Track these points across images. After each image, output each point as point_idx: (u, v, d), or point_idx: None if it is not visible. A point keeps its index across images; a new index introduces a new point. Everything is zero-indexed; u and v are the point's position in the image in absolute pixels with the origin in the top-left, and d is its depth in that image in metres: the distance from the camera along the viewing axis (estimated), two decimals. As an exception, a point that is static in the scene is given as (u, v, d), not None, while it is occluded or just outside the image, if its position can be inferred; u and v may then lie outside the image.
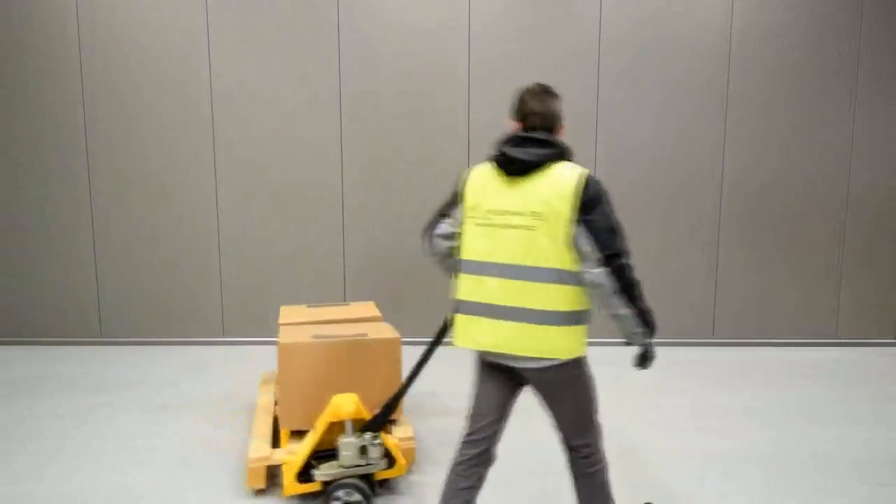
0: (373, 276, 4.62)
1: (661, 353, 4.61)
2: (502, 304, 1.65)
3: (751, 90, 4.47)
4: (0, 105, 4.41)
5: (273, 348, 4.52)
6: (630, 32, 4.40)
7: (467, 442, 1.81)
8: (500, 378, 1.78)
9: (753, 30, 4.41)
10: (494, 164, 1.70)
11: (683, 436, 3.00)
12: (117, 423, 3.14)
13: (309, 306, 3.25)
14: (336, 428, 2.30)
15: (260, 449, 2.45)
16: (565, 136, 1.82)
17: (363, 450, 2.22)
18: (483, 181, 1.73)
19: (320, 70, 4.41)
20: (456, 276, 1.80)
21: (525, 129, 1.72)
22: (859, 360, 4.31)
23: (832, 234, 4.61)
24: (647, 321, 1.68)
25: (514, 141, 1.68)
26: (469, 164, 4.51)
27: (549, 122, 1.73)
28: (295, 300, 4.62)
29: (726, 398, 3.54)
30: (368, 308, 3.24)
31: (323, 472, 2.25)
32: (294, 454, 2.35)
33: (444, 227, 1.81)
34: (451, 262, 1.83)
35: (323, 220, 4.57)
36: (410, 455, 2.55)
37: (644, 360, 1.74)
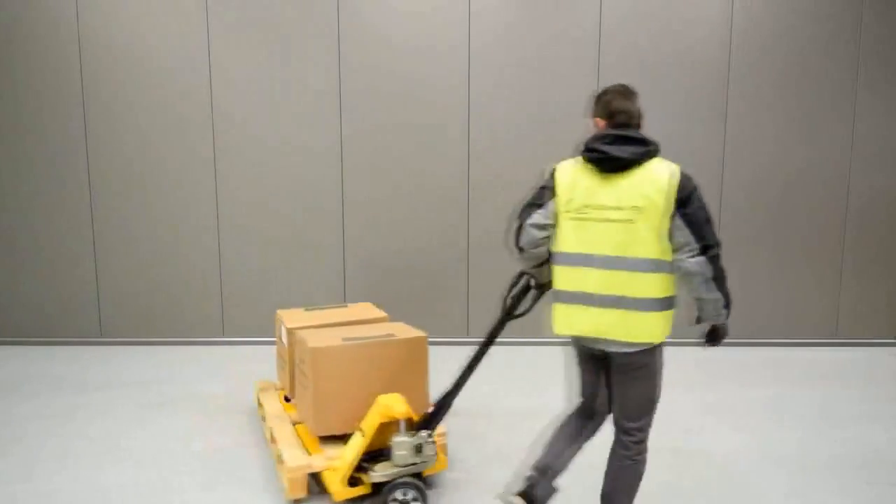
0: (373, 276, 4.62)
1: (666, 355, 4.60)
2: (603, 293, 1.76)
3: (751, 92, 4.47)
4: (0, 105, 4.41)
5: (270, 349, 4.54)
6: (630, 42, 4.40)
7: (575, 412, 2.05)
8: (595, 360, 1.94)
9: (753, 32, 4.42)
10: (588, 161, 1.77)
11: (690, 434, 3.00)
12: (112, 422, 3.14)
13: (307, 309, 3.16)
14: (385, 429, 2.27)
15: (298, 457, 2.35)
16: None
17: (418, 448, 2.20)
18: (575, 177, 1.81)
19: (321, 71, 4.41)
20: (539, 267, 1.93)
21: (612, 126, 1.81)
22: (859, 360, 4.31)
23: (833, 235, 4.61)
24: (729, 304, 1.81)
25: (608, 139, 1.76)
26: (468, 168, 4.51)
27: (636, 120, 1.86)
28: (295, 300, 4.61)
29: (729, 398, 3.54)
30: (370, 309, 3.22)
31: (380, 473, 2.19)
32: (338, 459, 2.28)
33: (538, 216, 1.84)
34: (539, 252, 1.88)
35: (323, 219, 4.56)
36: (444, 451, 2.54)
37: (718, 337, 1.92)
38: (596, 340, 1.82)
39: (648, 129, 4.77)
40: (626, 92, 1.87)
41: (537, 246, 1.87)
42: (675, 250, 1.72)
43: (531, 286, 2.07)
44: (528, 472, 1.96)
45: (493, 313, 4.77)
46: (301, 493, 2.31)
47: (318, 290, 4.61)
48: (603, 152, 1.74)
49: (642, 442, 1.89)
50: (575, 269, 1.80)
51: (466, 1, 4.35)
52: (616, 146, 1.74)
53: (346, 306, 3.30)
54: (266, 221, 4.55)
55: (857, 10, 4.41)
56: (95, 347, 4.55)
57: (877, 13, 4.42)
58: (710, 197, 4.66)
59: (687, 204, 1.71)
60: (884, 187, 4.59)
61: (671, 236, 1.71)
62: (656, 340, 1.78)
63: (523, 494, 1.90)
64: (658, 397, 1.89)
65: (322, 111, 4.46)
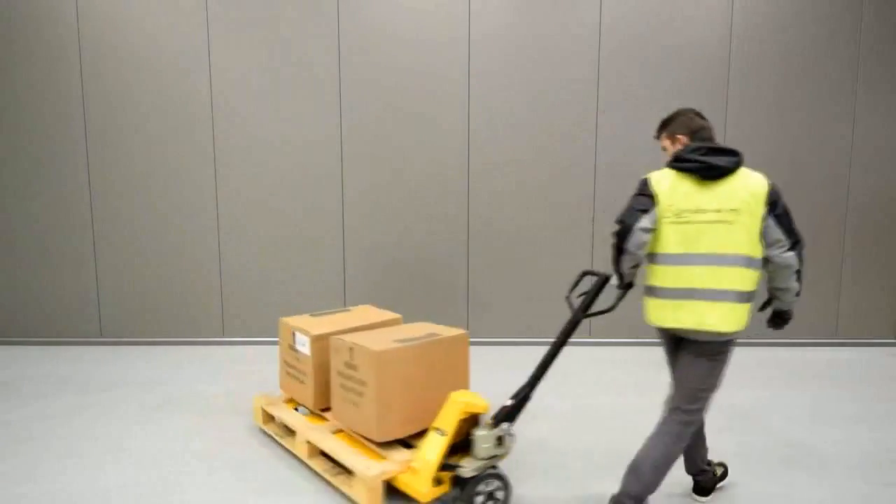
0: (373, 274, 4.62)
1: (660, 355, 4.60)
2: (704, 287, 1.97)
3: (750, 92, 4.48)
4: (0, 105, 4.41)
5: (270, 349, 4.55)
6: (630, 37, 4.41)
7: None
8: (677, 353, 2.18)
9: (753, 32, 4.42)
10: (686, 170, 1.99)
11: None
12: (114, 422, 3.14)
13: (313, 315, 3.08)
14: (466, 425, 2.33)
15: (372, 465, 2.29)
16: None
17: (500, 440, 2.25)
18: (673, 185, 2.02)
19: (321, 67, 4.42)
20: (634, 268, 2.10)
21: (695, 140, 2.08)
22: (859, 360, 4.31)
23: (833, 235, 4.62)
24: (800, 292, 2.08)
25: (702, 150, 1.98)
26: (468, 166, 4.52)
27: (714, 135, 2.15)
28: (294, 300, 4.62)
29: (728, 398, 3.54)
30: (376, 310, 3.19)
31: (470, 468, 2.20)
32: (414, 462, 2.29)
33: (646, 221, 2.02)
34: (642, 253, 2.05)
35: (323, 218, 4.57)
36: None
37: (784, 321, 2.18)
38: (697, 332, 2.01)
39: (648, 132, 4.81)
40: (699, 112, 2.15)
41: (642, 248, 2.03)
42: (766, 247, 1.97)
43: (615, 285, 2.20)
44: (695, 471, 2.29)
45: (493, 310, 4.80)
46: (379, 502, 2.26)
47: (318, 288, 4.62)
48: (703, 162, 1.96)
49: (690, 425, 2.05)
50: (677, 267, 2.01)
51: (466, 24, 4.36)
52: (713, 157, 1.96)
53: (349, 310, 3.24)
54: (266, 221, 4.56)
55: (857, 10, 4.41)
56: (96, 347, 4.57)
57: (877, 13, 4.42)
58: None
59: (776, 206, 1.94)
60: (884, 187, 4.59)
61: (763, 235, 1.96)
62: (742, 329, 2.00)
63: (700, 490, 2.33)
64: (718, 387, 2.09)
65: (322, 108, 4.46)
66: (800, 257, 1.98)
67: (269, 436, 2.96)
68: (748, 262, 1.95)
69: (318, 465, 2.54)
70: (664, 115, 4.47)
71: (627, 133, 4.50)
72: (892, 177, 4.59)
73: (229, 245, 4.58)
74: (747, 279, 1.96)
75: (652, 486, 2.00)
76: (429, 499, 2.21)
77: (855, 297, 4.68)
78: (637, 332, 4.68)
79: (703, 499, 2.36)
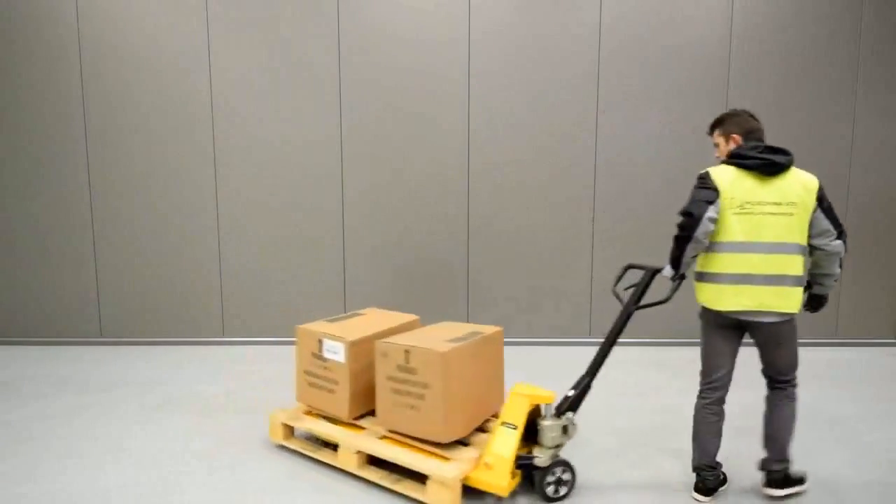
0: (373, 276, 4.62)
1: (672, 353, 4.60)
2: (765, 273, 2.18)
3: (750, 92, 4.48)
4: (0, 106, 4.42)
5: (270, 349, 4.55)
6: (630, 37, 4.41)
7: (710, 388, 2.37)
8: (733, 335, 2.33)
9: (753, 32, 4.42)
10: (747, 167, 2.19)
11: (690, 433, 3.01)
12: (114, 422, 3.14)
13: (331, 321, 2.95)
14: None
15: (449, 468, 2.29)
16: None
17: (565, 429, 2.38)
18: (734, 179, 2.21)
19: (321, 72, 4.42)
20: (694, 256, 2.29)
21: (751, 140, 2.28)
22: (859, 360, 4.31)
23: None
24: (839, 277, 2.35)
25: (760, 149, 2.20)
26: (468, 166, 4.51)
27: (764, 136, 2.33)
28: (294, 300, 4.62)
29: (727, 398, 3.54)
30: (391, 313, 3.16)
31: (544, 458, 2.33)
32: (486, 457, 2.32)
33: (712, 212, 2.20)
34: (706, 242, 2.24)
35: (323, 219, 4.57)
36: None
37: (822, 305, 2.45)
38: (756, 313, 2.22)
39: (648, 131, 4.81)
40: (752, 113, 2.35)
41: (707, 237, 2.22)
42: (813, 237, 2.22)
43: (668, 277, 2.34)
44: (704, 470, 2.39)
45: (493, 310, 4.80)
46: (459, 503, 2.26)
47: (318, 288, 4.62)
48: (764, 159, 2.17)
49: (795, 387, 2.36)
50: (739, 255, 2.20)
51: (466, 23, 4.36)
52: (772, 155, 2.17)
53: (362, 313, 3.13)
54: (266, 221, 4.56)
55: (857, 10, 4.41)
56: (96, 347, 4.57)
57: (877, 13, 4.42)
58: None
59: (823, 200, 2.19)
60: (883, 187, 4.59)
61: (812, 225, 2.20)
62: (798, 310, 2.24)
63: (704, 490, 2.39)
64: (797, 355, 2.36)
65: (322, 108, 4.47)
66: (845, 245, 2.24)
67: (293, 451, 2.78)
68: (801, 249, 2.20)
69: (372, 474, 2.47)
70: (664, 114, 4.48)
71: (627, 132, 4.50)
72: (892, 177, 4.59)
73: (229, 245, 4.58)
74: (800, 265, 2.20)
75: (789, 444, 2.35)
76: (508, 492, 2.28)
77: (855, 297, 4.68)
78: (637, 332, 4.68)
79: (704, 499, 2.39)
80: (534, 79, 4.44)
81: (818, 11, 4.41)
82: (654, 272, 2.49)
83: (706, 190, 2.22)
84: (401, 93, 4.45)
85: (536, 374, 3.99)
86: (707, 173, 2.26)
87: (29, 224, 4.52)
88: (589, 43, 4.41)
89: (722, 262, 2.24)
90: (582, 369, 4.08)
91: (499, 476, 2.27)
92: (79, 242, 4.54)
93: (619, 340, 4.68)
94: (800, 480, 2.42)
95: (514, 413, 2.35)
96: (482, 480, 2.28)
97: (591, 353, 4.48)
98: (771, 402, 2.39)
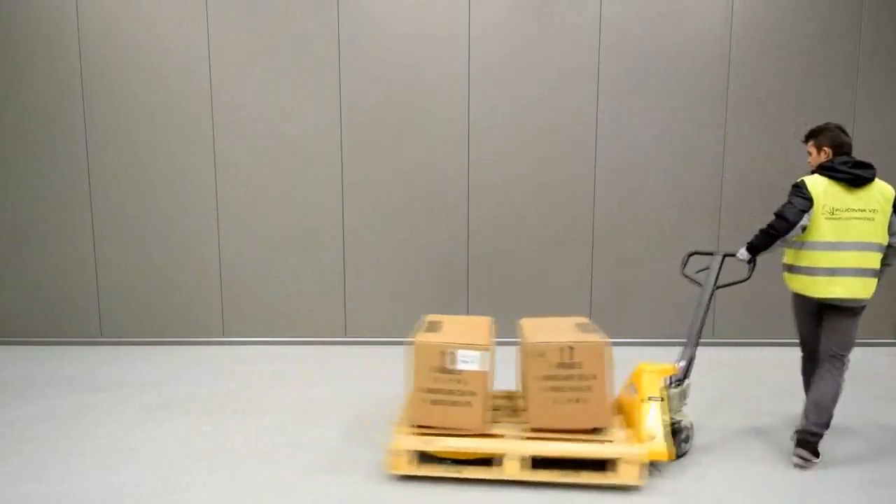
0: (373, 275, 4.63)
1: (663, 353, 4.60)
2: (851, 266, 2.63)
3: (750, 92, 4.48)
4: (0, 106, 4.42)
5: (270, 349, 4.55)
6: (630, 36, 4.41)
7: (805, 357, 3.00)
8: (814, 315, 2.87)
9: (753, 32, 4.42)
10: (838, 179, 2.62)
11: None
12: (116, 422, 3.14)
13: (429, 332, 2.75)
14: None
15: (628, 447, 2.48)
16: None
17: (683, 395, 2.78)
18: (826, 190, 2.63)
19: (321, 76, 4.42)
20: (786, 251, 2.81)
21: (841, 154, 2.70)
22: (860, 360, 4.31)
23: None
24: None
25: (850, 164, 2.62)
26: (468, 169, 4.52)
27: (851, 149, 2.74)
28: (295, 300, 4.63)
29: (727, 398, 3.54)
30: (460, 317, 3.09)
31: (686, 421, 2.74)
32: (650, 428, 2.60)
33: (805, 219, 2.64)
34: (789, 242, 2.73)
35: (323, 219, 4.57)
36: None
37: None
38: (844, 300, 2.66)
39: (648, 130, 4.81)
40: (843, 129, 2.75)
41: (795, 236, 2.68)
42: (892, 235, 2.68)
43: (744, 260, 2.79)
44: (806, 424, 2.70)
45: (493, 307, 4.77)
46: (644, 477, 2.50)
47: (319, 288, 4.62)
48: (853, 174, 2.60)
49: (845, 363, 2.75)
50: (830, 252, 2.64)
51: (466, 21, 4.36)
52: (859, 169, 2.61)
53: (440, 320, 2.99)
54: (266, 222, 4.56)
55: (856, 10, 4.41)
56: (96, 347, 4.57)
57: (877, 13, 4.42)
58: (709, 195, 4.71)
59: None
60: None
61: (890, 227, 2.67)
62: (871, 297, 2.70)
63: (807, 445, 2.67)
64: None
65: (322, 107, 4.47)
66: None
67: (423, 478, 2.54)
68: (880, 247, 2.64)
69: (544, 475, 2.49)
70: (664, 112, 4.49)
71: (627, 130, 4.51)
72: (893, 177, 4.59)
73: (229, 245, 4.58)
74: (877, 260, 2.65)
75: (831, 413, 2.69)
76: (673, 456, 2.64)
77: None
78: (640, 332, 4.68)
79: (816, 460, 2.68)
80: (534, 74, 4.44)
81: (818, 11, 4.41)
82: (725, 256, 2.98)
83: (802, 199, 2.65)
84: (400, 88, 4.45)
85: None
86: (803, 183, 2.68)
87: (29, 224, 4.53)
88: (589, 42, 4.42)
89: (814, 258, 2.68)
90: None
91: (665, 444, 2.55)
92: (79, 242, 4.55)
93: (618, 340, 4.68)
94: (818, 454, 2.71)
95: (653, 387, 2.67)
96: (654, 451, 2.54)
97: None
98: (823, 373, 2.75)
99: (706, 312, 2.87)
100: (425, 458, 2.61)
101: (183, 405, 3.39)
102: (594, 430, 2.62)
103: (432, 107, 4.47)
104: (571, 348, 2.55)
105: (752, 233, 4.62)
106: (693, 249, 3.75)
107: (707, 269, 2.96)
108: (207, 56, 4.39)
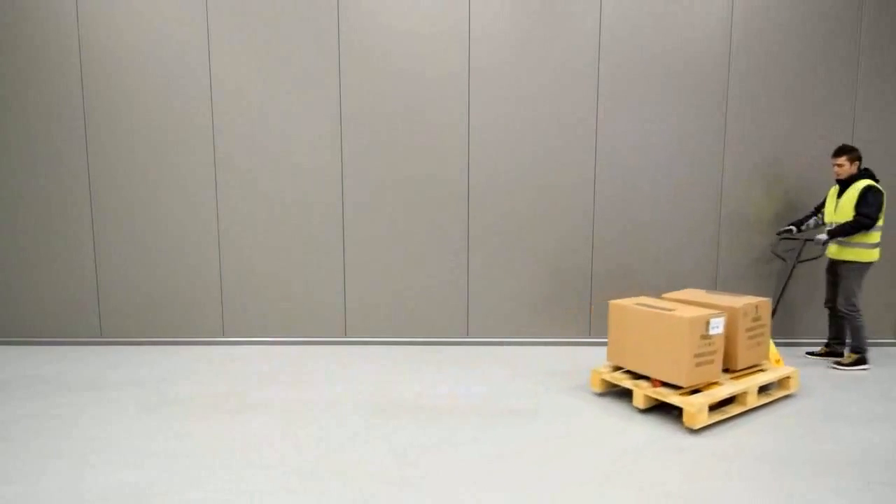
0: (373, 274, 4.63)
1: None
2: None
3: (750, 92, 4.48)
4: (0, 106, 4.42)
5: (270, 349, 4.55)
6: (630, 35, 4.41)
7: (828, 308, 4.32)
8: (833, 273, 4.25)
9: (753, 32, 4.42)
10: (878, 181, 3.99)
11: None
12: (116, 422, 3.14)
13: (668, 304, 3.48)
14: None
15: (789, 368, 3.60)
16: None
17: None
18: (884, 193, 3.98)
19: (320, 75, 4.42)
20: (863, 234, 3.99)
21: (861, 165, 4.09)
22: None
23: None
24: None
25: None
26: (468, 168, 4.52)
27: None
28: (295, 299, 4.62)
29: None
30: (679, 293, 3.81)
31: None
32: (776, 355, 3.69)
33: (879, 219, 3.93)
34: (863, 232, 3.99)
35: (323, 218, 4.57)
36: None
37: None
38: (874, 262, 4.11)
39: (648, 130, 4.81)
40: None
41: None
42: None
43: (822, 241, 4.00)
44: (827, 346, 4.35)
45: (492, 309, 4.77)
46: None
47: (319, 287, 4.62)
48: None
49: (852, 309, 4.04)
50: (878, 232, 3.98)
51: (466, 20, 4.37)
52: None
53: (666, 299, 3.69)
54: (266, 222, 4.56)
55: (856, 10, 4.41)
56: (96, 347, 4.57)
57: (877, 13, 4.42)
58: (709, 195, 4.70)
59: None
60: (884, 186, 4.59)
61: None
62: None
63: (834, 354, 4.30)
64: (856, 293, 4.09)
65: (322, 106, 4.47)
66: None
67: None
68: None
69: (763, 398, 3.42)
70: (663, 112, 4.48)
71: (627, 132, 4.51)
72: (892, 177, 4.59)
73: (229, 245, 4.58)
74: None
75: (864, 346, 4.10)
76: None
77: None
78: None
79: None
80: (533, 78, 4.44)
81: (818, 11, 4.41)
82: (806, 240, 4.31)
83: (882, 199, 3.90)
84: (400, 86, 4.45)
85: (536, 375, 3.98)
86: (878, 188, 3.90)
87: (29, 224, 4.53)
88: (589, 43, 4.42)
89: (876, 237, 3.98)
90: (572, 369, 4.08)
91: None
92: (79, 242, 4.55)
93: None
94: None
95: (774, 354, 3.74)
96: (787, 370, 3.60)
97: (589, 352, 4.49)
98: (837, 319, 4.24)
99: (788, 280, 4.30)
100: (656, 407, 3.38)
101: (183, 405, 3.39)
102: (754, 366, 3.56)
103: (433, 104, 4.47)
104: (757, 307, 3.46)
105: (751, 233, 4.67)
106: (780, 229, 4.45)
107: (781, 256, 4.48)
108: (207, 55, 4.40)
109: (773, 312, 3.98)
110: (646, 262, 4.63)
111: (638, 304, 3.43)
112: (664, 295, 3.72)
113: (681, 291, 3.80)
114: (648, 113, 4.50)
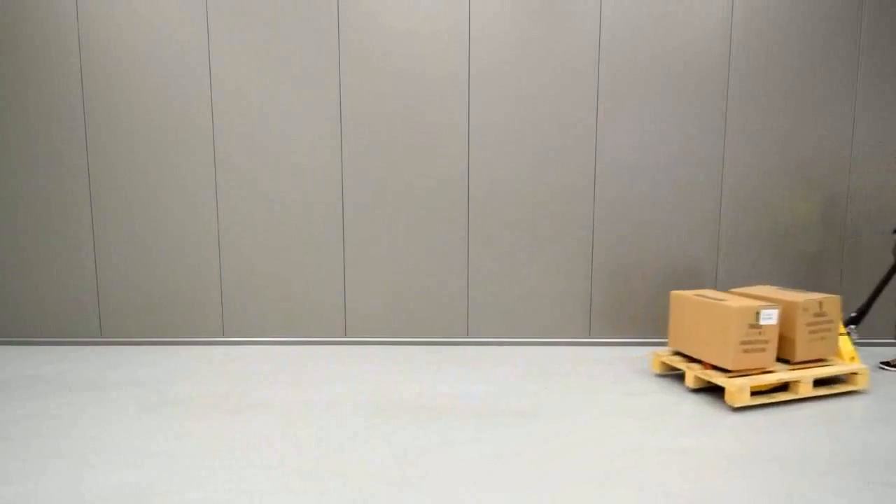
0: (373, 274, 4.63)
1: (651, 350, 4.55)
2: None
3: (750, 92, 4.48)
4: (0, 106, 4.42)
5: (270, 349, 4.55)
6: (629, 35, 4.41)
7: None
8: None
9: (753, 32, 4.42)
10: None
11: (689, 433, 3.01)
12: (116, 422, 3.14)
13: (720, 297, 3.70)
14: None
15: (855, 363, 3.70)
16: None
17: (856, 332, 4.19)
18: None
19: (321, 75, 4.43)
20: None
21: None
22: (861, 360, 4.30)
23: (832, 233, 4.62)
24: None
25: None
26: (468, 168, 4.52)
27: None
28: (294, 300, 4.62)
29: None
30: (740, 290, 3.98)
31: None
32: (852, 352, 3.78)
33: None
34: None
35: (323, 217, 4.57)
36: None
37: None
38: None
39: (648, 131, 4.81)
40: None
41: None
42: None
43: None
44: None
45: (493, 309, 4.77)
46: None
47: (319, 287, 4.62)
48: None
49: None
50: None
51: (466, 20, 4.37)
52: None
53: (725, 293, 3.85)
54: (266, 221, 4.56)
55: (856, 10, 4.42)
56: (96, 347, 4.57)
57: (877, 13, 4.42)
58: (709, 194, 4.70)
59: None
60: (883, 187, 4.59)
61: None
62: None
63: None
64: None
65: (322, 105, 4.47)
66: None
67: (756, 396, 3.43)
68: None
69: (821, 390, 3.56)
70: (662, 112, 4.49)
71: (627, 132, 4.51)
72: (892, 177, 4.59)
73: (229, 245, 4.58)
74: None
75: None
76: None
77: (855, 297, 4.67)
78: (640, 332, 4.68)
79: None
80: (533, 78, 4.44)
81: (818, 11, 4.42)
82: None
83: None
84: (400, 85, 4.45)
85: (534, 373, 3.99)
86: None
87: (29, 224, 4.53)
88: (588, 42, 4.42)
89: None
90: (581, 368, 4.08)
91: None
92: (79, 242, 4.55)
93: (618, 340, 4.68)
94: None
95: (841, 328, 3.82)
96: (860, 367, 3.67)
97: (589, 352, 4.49)
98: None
99: (892, 272, 4.06)
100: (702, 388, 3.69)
101: (183, 405, 3.39)
102: (819, 360, 3.69)
103: (432, 105, 4.47)
104: (821, 303, 3.58)
105: (751, 233, 4.67)
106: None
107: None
108: (207, 55, 4.40)
109: (864, 312, 4.02)
110: (647, 262, 4.63)
111: (696, 294, 3.76)
112: (733, 290, 3.93)
113: (752, 287, 3.99)
114: (648, 113, 4.50)
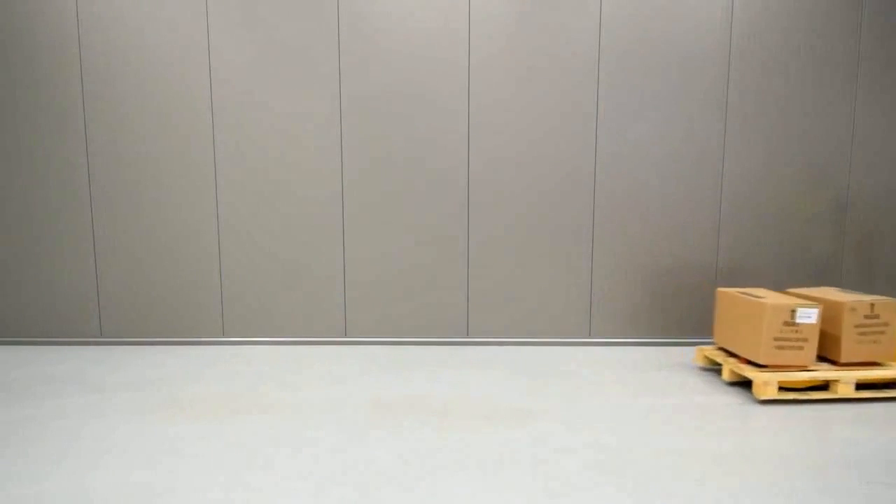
0: (373, 274, 4.63)
1: (651, 352, 4.59)
2: None
3: (750, 92, 4.48)
4: (0, 106, 4.42)
5: (270, 349, 4.55)
6: (630, 32, 4.41)
7: None
8: None
9: (753, 30, 4.42)
10: None
11: (688, 434, 3.01)
12: (116, 423, 3.14)
13: (762, 296, 3.70)
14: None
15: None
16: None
17: None
18: None
19: (320, 71, 4.42)
20: None
21: None
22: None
23: (832, 233, 4.62)
24: None
25: None
26: (468, 166, 4.52)
27: None
28: (295, 299, 4.63)
29: (726, 398, 3.54)
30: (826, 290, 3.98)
31: None
32: None
33: None
34: None
35: (323, 217, 4.57)
36: None
37: None
38: None
39: (648, 128, 4.80)
40: None
41: None
42: None
43: None
44: None
45: (492, 310, 4.78)
46: None
47: (319, 286, 4.62)
48: None
49: None
50: None
51: (466, 17, 4.37)
52: None
53: (761, 291, 3.87)
54: (266, 220, 4.57)
55: (856, 10, 4.41)
56: (96, 347, 4.57)
57: (877, 13, 4.42)
58: (709, 194, 4.70)
59: None
60: (883, 187, 4.60)
61: None
62: None
63: None
64: None
65: (323, 111, 4.47)
66: None
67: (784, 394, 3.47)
68: None
69: (865, 393, 3.48)
70: (662, 112, 4.49)
71: (627, 130, 4.51)
72: (892, 177, 4.60)
73: (230, 245, 4.58)
74: None
75: None
76: None
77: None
78: (643, 332, 4.68)
79: None
80: (534, 76, 4.44)
81: (818, 11, 4.42)
82: None
83: None
84: (400, 82, 4.45)
85: (529, 373, 3.99)
86: None
87: (28, 223, 4.53)
88: (588, 41, 4.42)
89: None
90: (580, 368, 4.08)
91: None
92: (78, 242, 4.55)
93: (618, 340, 4.68)
94: None
95: None
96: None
97: (588, 353, 4.49)
98: None
99: None
100: (732, 383, 3.78)
101: (183, 405, 3.39)
102: (869, 362, 3.60)
103: (432, 99, 4.47)
104: (873, 305, 3.52)
105: (751, 233, 4.67)
106: None
107: None
108: (207, 56, 4.40)
109: None
110: (647, 262, 4.63)
111: (741, 292, 3.82)
112: (789, 290, 3.95)
113: (813, 288, 3.99)
114: (647, 116, 4.50)
